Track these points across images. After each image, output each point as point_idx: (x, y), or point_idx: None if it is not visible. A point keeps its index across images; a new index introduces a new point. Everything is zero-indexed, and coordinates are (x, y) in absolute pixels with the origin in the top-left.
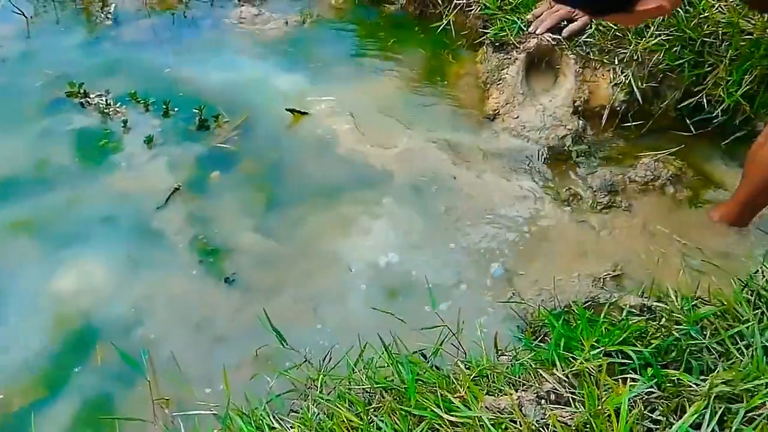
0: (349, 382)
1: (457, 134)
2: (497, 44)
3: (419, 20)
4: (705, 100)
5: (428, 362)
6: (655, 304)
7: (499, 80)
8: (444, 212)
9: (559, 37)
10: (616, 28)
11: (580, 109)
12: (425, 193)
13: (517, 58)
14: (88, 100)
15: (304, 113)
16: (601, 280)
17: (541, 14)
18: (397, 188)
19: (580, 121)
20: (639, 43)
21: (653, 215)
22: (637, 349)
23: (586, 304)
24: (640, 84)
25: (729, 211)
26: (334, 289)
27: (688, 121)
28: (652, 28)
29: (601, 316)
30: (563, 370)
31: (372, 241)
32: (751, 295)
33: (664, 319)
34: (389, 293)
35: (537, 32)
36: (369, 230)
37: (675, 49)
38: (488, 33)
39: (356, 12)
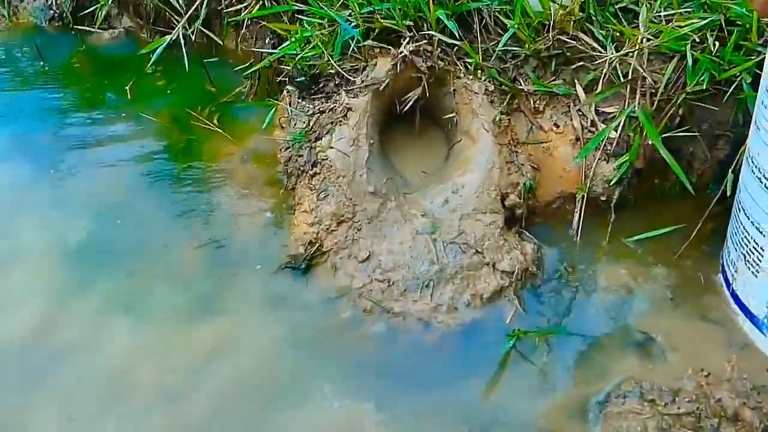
0: None
1: (211, 321)
2: (304, 80)
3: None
4: None
5: None
6: None
7: (314, 165)
8: None
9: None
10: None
11: (519, 211)
12: None
13: (350, 107)
14: None
15: None
16: None
17: None
18: None
19: (529, 245)
20: (622, 43)
21: None
22: None
23: None
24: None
25: None
26: None
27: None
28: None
29: None
30: None
31: None
32: None
33: None
34: None
35: None
36: None
37: (704, 46)
38: (274, 54)
39: (30, 43)
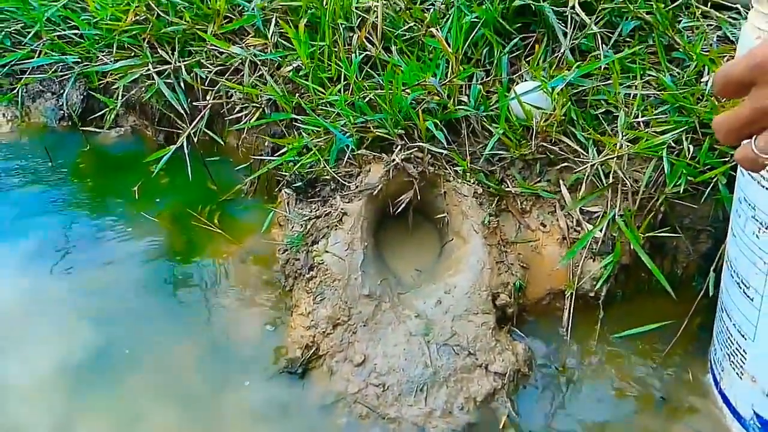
0: None
1: None
2: (301, 185)
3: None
4: None
5: None
6: None
7: (311, 269)
8: None
9: (442, 151)
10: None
11: (510, 310)
12: None
13: (345, 212)
14: None
15: None
16: None
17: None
18: None
19: (520, 344)
20: (604, 144)
21: None
22: None
23: None
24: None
25: None
26: None
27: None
28: (622, 112)
29: None
30: None
31: None
32: None
33: None
34: None
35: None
36: None
37: (680, 148)
38: (274, 161)
39: (38, 144)
